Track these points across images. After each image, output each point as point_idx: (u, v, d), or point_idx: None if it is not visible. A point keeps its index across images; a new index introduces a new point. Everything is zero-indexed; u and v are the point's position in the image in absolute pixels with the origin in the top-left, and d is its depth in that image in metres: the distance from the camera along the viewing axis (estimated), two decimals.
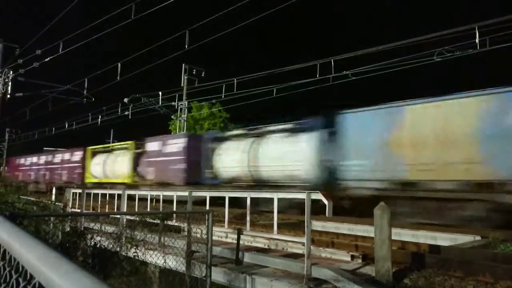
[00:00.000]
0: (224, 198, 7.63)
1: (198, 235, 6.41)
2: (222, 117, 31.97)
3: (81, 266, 0.84)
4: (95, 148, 26.14)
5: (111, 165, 23.39)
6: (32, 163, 34.30)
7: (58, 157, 29.75)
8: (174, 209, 8.78)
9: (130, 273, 6.00)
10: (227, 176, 16.86)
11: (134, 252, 5.93)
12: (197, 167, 17.85)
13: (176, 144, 19.03)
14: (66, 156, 28.57)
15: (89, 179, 25.34)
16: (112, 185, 20.92)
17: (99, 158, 24.79)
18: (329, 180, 12.80)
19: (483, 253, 6.81)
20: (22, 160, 36.69)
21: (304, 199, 5.57)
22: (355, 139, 12.31)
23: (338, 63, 16.65)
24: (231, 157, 16.55)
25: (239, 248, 6.53)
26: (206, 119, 31.64)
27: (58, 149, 34.47)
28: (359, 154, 12.18)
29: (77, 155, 27.16)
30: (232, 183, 16.57)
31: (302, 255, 5.85)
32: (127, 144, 23.20)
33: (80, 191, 11.15)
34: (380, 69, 16.03)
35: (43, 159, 32.34)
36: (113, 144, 25.14)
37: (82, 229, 6.36)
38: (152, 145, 20.48)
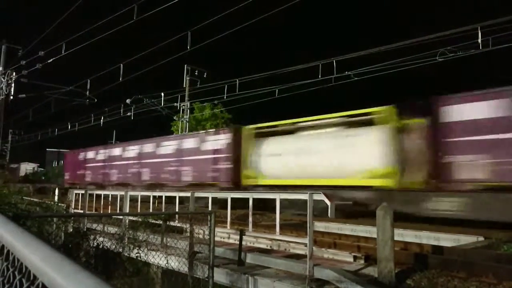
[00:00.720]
0: None
1: (201, 236, 6.42)
2: (224, 118, 31.99)
3: (84, 266, 0.84)
4: (261, 127, 15.73)
5: (321, 153, 13.06)
6: (111, 157, 24.28)
7: (170, 146, 19.58)
8: (177, 209, 8.77)
9: (133, 273, 6.02)
10: None
11: (136, 253, 5.94)
12: None
13: None
14: (190, 143, 18.45)
15: (251, 180, 15.36)
16: (330, 189, 11.64)
17: (277, 143, 14.78)
18: None
19: (486, 254, 6.80)
20: (90, 154, 26.85)
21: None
22: None
23: (340, 63, 16.66)
24: None
25: (241, 249, 6.53)
26: (208, 120, 31.66)
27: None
28: None
29: (218, 140, 17.04)
30: None
31: (304, 256, 5.84)
32: (371, 113, 12.29)
33: (83, 191, 11.16)
34: (382, 70, 16.02)
35: (135, 150, 22.13)
36: (310, 118, 14.10)
37: (85, 229, 6.38)
38: (477, 108, 9.99)
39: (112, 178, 23.60)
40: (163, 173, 19.61)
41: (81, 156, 27.91)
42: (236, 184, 15.80)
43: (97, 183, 24.71)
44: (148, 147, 21.14)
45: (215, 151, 17.02)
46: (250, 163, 15.57)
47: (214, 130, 18.01)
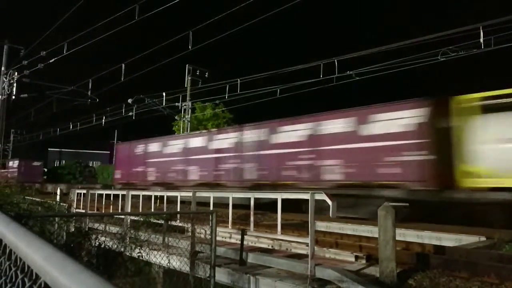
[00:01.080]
0: None
1: (202, 236, 6.42)
2: (225, 117, 31.99)
3: (86, 266, 0.84)
4: (495, 97, 10.20)
5: None
6: (188, 149, 18.52)
7: (297, 131, 13.94)
8: (178, 209, 8.78)
9: (134, 273, 6.02)
10: None
11: (138, 253, 5.94)
12: None
13: None
14: (336, 125, 12.80)
15: (484, 180, 9.91)
16: None
17: None
18: None
19: (488, 254, 6.79)
20: (155, 146, 20.66)
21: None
22: None
23: (341, 63, 16.65)
24: None
25: (243, 248, 6.53)
26: (209, 120, 31.67)
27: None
28: None
29: (397, 118, 11.33)
30: None
31: (306, 256, 5.84)
32: None
33: (84, 191, 11.17)
34: (384, 69, 16.01)
35: (229, 139, 16.63)
36: None
37: (87, 229, 6.39)
38: None
39: (191, 177, 17.91)
40: (284, 169, 14.01)
41: (141, 148, 21.49)
42: (445, 184, 10.52)
43: (166, 183, 18.98)
44: (255, 134, 15.40)
45: (392, 136, 11.37)
46: (476, 153, 10.09)
47: (386, 104, 11.87)
